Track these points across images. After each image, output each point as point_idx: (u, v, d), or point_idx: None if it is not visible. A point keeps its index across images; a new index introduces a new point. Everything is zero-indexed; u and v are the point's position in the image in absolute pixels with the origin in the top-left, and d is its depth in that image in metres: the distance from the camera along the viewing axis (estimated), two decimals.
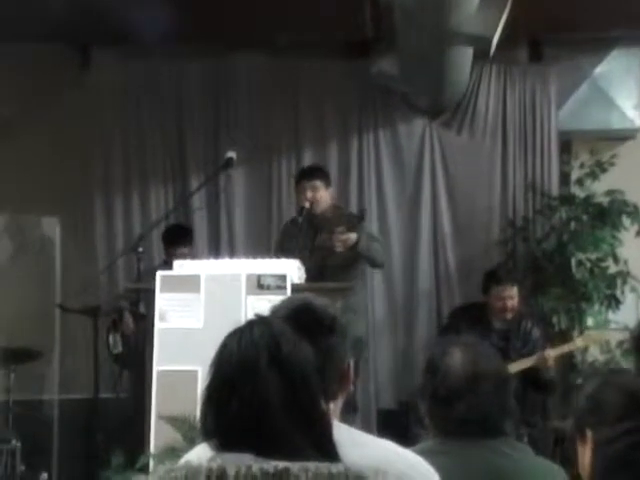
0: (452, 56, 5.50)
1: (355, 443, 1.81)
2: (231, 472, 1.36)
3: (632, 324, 5.89)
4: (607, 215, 6.09)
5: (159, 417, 3.71)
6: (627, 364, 5.70)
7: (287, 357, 1.51)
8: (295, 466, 1.37)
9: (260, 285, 3.90)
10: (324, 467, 1.38)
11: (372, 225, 6.09)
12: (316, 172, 5.60)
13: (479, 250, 6.46)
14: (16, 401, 5.60)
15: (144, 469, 3.51)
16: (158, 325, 3.96)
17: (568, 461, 4.05)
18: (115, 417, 5.70)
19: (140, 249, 4.97)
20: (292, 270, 4.00)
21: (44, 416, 6.28)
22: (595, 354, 6.11)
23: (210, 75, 6.60)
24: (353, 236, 5.01)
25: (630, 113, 6.46)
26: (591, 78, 6.46)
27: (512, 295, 5.65)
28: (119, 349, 5.87)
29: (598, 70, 6.45)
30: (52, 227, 6.54)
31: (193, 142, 6.59)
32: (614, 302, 6.05)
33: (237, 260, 4.36)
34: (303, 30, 6.08)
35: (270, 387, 1.47)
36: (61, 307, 6.06)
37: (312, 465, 1.38)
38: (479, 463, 2.26)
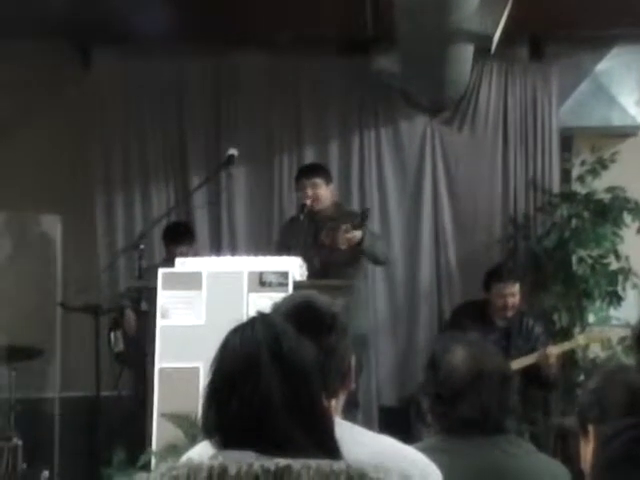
0: (453, 54, 5.49)
1: (357, 440, 1.81)
2: (232, 470, 1.36)
3: (634, 321, 5.87)
4: (608, 212, 6.08)
5: (161, 415, 3.72)
6: (629, 361, 5.70)
7: (288, 354, 1.50)
8: (297, 464, 1.36)
9: (262, 282, 3.90)
10: (326, 464, 1.37)
11: (373, 223, 6.08)
12: (316, 169, 5.60)
13: (480, 247, 6.46)
14: (17, 399, 5.60)
15: (146, 467, 3.51)
16: (160, 322, 3.96)
17: (570, 458, 4.05)
18: (117, 415, 5.70)
19: (141, 247, 4.97)
20: (294, 267, 4.00)
21: (45, 414, 6.29)
22: (596, 351, 6.10)
23: (211, 74, 6.59)
24: (358, 234, 5.01)
25: (631, 110, 6.46)
26: (592, 75, 6.45)
27: (513, 292, 5.65)
28: (120, 347, 5.88)
29: (599, 67, 6.45)
30: (53, 225, 6.54)
31: (194, 140, 6.58)
32: (615, 299, 6.05)
33: (239, 257, 4.37)
34: (304, 28, 6.07)
35: (272, 384, 1.47)
36: (62, 305, 6.07)
37: (314, 462, 1.38)
38: (481, 460, 2.26)
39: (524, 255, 6.39)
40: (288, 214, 6.10)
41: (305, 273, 4.18)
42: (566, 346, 5.69)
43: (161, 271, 4.05)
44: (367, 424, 4.86)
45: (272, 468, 1.35)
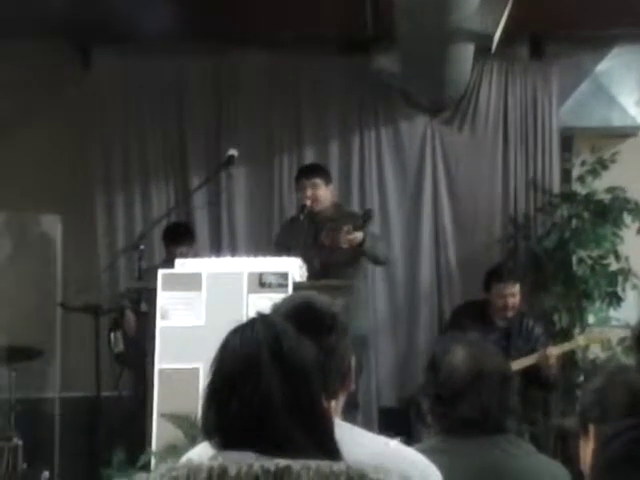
0: (453, 53, 5.49)
1: (356, 441, 1.81)
2: (232, 471, 1.36)
3: (633, 321, 5.87)
4: (608, 212, 6.08)
5: (160, 415, 3.72)
6: (629, 361, 5.70)
7: (288, 355, 1.50)
8: (296, 464, 1.36)
9: (262, 283, 3.90)
10: (325, 465, 1.37)
11: (374, 223, 6.08)
12: (316, 170, 5.60)
13: (480, 248, 6.46)
14: (18, 399, 5.60)
15: (145, 467, 3.51)
16: (160, 323, 3.96)
17: (569, 458, 4.05)
18: (117, 415, 5.70)
19: (141, 247, 4.97)
20: (294, 268, 4.00)
21: (45, 414, 6.28)
22: (596, 351, 6.10)
23: (211, 74, 6.59)
24: (360, 235, 5.01)
25: (631, 110, 6.46)
26: (592, 75, 6.45)
27: (514, 293, 5.65)
28: (120, 347, 5.87)
29: (599, 67, 6.44)
30: (53, 225, 6.54)
31: (194, 140, 6.58)
32: (615, 299, 6.05)
33: (239, 258, 4.37)
34: (304, 28, 6.07)
35: (271, 385, 1.47)
36: (62, 305, 6.06)
37: (313, 463, 1.37)
38: (481, 461, 2.26)
39: (524, 255, 6.39)
40: (288, 214, 6.10)
41: (305, 274, 4.18)
42: (566, 347, 5.68)
43: (161, 272, 4.05)
44: (367, 425, 4.86)
45: (272, 469, 1.35)
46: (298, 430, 1.46)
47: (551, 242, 6.17)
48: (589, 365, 6.06)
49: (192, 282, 3.96)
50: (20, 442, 5.33)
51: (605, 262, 6.10)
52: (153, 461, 3.54)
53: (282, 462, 1.36)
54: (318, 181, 5.41)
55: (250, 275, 3.92)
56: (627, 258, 6.10)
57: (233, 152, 5.34)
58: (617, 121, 6.47)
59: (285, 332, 1.54)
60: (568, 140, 6.60)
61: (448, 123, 6.57)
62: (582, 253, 6.13)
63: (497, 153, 6.53)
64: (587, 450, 1.92)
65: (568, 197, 6.31)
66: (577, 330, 6.06)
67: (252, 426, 1.46)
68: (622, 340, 5.84)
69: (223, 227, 6.56)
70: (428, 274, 6.48)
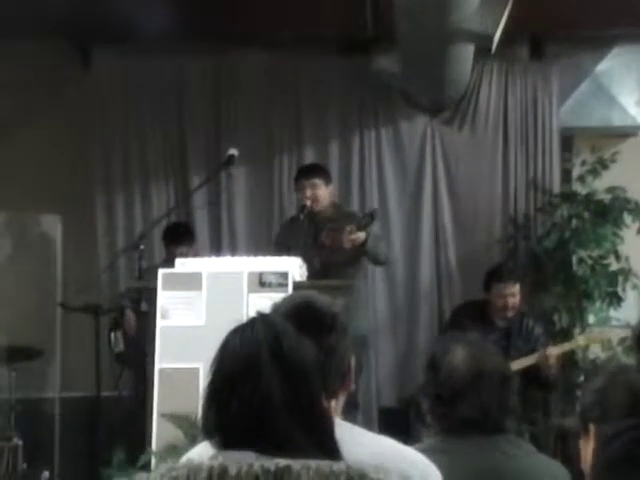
0: (453, 54, 5.49)
1: (356, 441, 1.81)
2: (232, 470, 1.35)
3: (634, 321, 5.88)
4: (608, 212, 6.08)
5: (161, 415, 3.72)
6: (629, 361, 5.70)
7: (289, 354, 1.50)
8: (297, 464, 1.36)
9: (262, 283, 3.90)
10: (325, 465, 1.37)
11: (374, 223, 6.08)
12: (316, 170, 5.60)
13: (480, 247, 6.46)
14: (18, 399, 5.60)
15: (145, 467, 3.51)
16: (160, 323, 3.96)
17: (570, 458, 4.05)
18: (117, 415, 5.70)
19: (141, 247, 4.97)
20: (294, 268, 4.00)
21: (46, 414, 6.28)
22: (597, 351, 6.10)
23: (211, 74, 6.59)
24: (362, 235, 5.01)
25: (632, 110, 6.45)
26: (592, 75, 6.45)
27: (514, 293, 5.65)
28: (120, 347, 5.87)
29: (599, 67, 6.44)
30: (53, 225, 6.54)
31: (194, 140, 6.58)
32: (615, 299, 6.04)
33: (239, 258, 4.37)
34: (304, 28, 6.07)
35: (272, 385, 1.47)
36: (62, 305, 6.06)
37: (313, 463, 1.37)
38: (481, 461, 2.26)
39: (524, 255, 6.39)
40: (288, 214, 6.09)
41: (305, 273, 4.18)
42: (566, 347, 5.68)
43: (161, 272, 4.05)
44: (367, 425, 4.85)
45: (272, 468, 1.35)
46: (298, 430, 1.46)
47: (551, 242, 6.17)
48: (589, 365, 6.06)
49: (192, 282, 3.96)
50: (20, 442, 5.33)
51: (605, 262, 6.10)
52: (153, 461, 3.54)
53: (282, 462, 1.36)
54: (317, 181, 5.41)
55: (250, 275, 3.93)
56: (627, 258, 6.10)
57: (233, 152, 5.34)
58: (617, 121, 6.47)
59: (285, 332, 1.54)
60: (568, 140, 6.60)
61: (448, 123, 6.57)
62: (582, 253, 6.13)
63: (497, 153, 6.53)
64: (588, 450, 1.92)
65: (568, 197, 6.30)
66: (577, 330, 6.06)
67: (252, 426, 1.46)
68: (622, 340, 5.84)
69: (223, 227, 6.56)
70: (428, 274, 6.48)
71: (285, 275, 3.90)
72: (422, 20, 4.85)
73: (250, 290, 3.91)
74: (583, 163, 6.31)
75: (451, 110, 6.54)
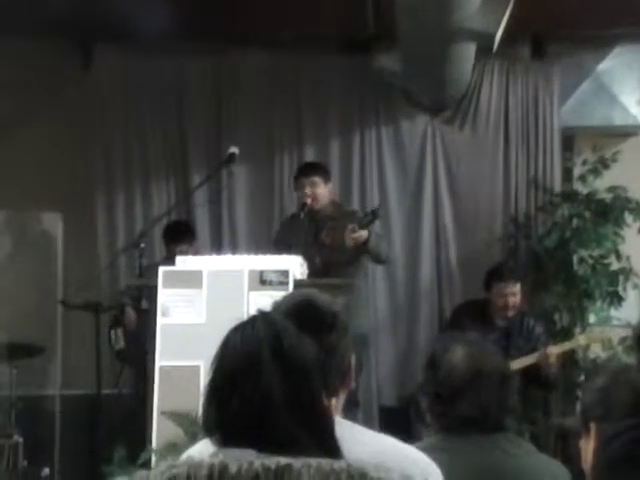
0: (454, 53, 5.49)
1: (357, 439, 1.81)
2: (233, 468, 1.35)
3: (634, 321, 5.88)
4: (609, 212, 6.08)
5: (161, 413, 3.73)
6: (629, 361, 5.70)
7: (289, 352, 1.50)
8: (297, 462, 1.36)
9: (262, 281, 3.90)
10: (326, 463, 1.37)
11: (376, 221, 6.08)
12: (315, 168, 5.59)
13: (481, 246, 6.46)
14: (18, 397, 5.61)
15: (146, 465, 3.51)
16: (160, 321, 3.96)
17: (570, 458, 4.05)
18: (117, 413, 5.70)
19: (142, 245, 4.97)
20: (294, 266, 4.00)
21: (46, 412, 6.29)
22: (597, 351, 6.10)
23: (211, 73, 6.59)
24: (365, 233, 5.01)
25: (633, 110, 6.45)
26: (594, 75, 6.45)
27: (514, 292, 5.65)
28: (121, 345, 5.88)
29: (601, 67, 6.44)
30: (54, 223, 6.54)
31: (195, 138, 6.58)
32: (616, 299, 6.04)
33: (239, 256, 4.37)
34: (304, 27, 6.07)
35: (272, 383, 1.47)
36: (63, 303, 6.06)
37: (314, 461, 1.37)
38: (481, 460, 2.26)
39: (525, 255, 6.39)
40: (289, 213, 6.09)
41: (306, 272, 4.18)
42: (567, 346, 5.68)
43: (161, 269, 4.05)
44: (367, 423, 4.85)
45: (273, 466, 1.35)
46: (299, 428, 1.46)
47: (552, 241, 6.17)
48: (590, 365, 6.06)
49: (193, 279, 3.96)
50: (21, 439, 5.34)
51: (606, 261, 6.10)
52: (153, 459, 3.54)
53: (283, 460, 1.36)
54: (317, 179, 5.41)
55: (251, 273, 3.93)
56: (628, 257, 6.10)
57: (234, 150, 5.33)
58: (618, 120, 6.46)
59: (286, 330, 1.54)
60: (569, 139, 6.60)
61: (449, 122, 6.56)
62: (583, 252, 6.13)
63: (498, 152, 6.53)
64: (588, 449, 1.92)
65: (569, 196, 6.30)
66: (578, 329, 6.06)
67: (253, 424, 1.46)
68: (623, 340, 5.84)
69: (224, 225, 6.57)
70: (429, 273, 6.48)
71: (286, 273, 3.91)
72: (423, 19, 4.85)
73: (251, 288, 3.91)
74: (584, 162, 6.31)
75: (452, 109, 6.54)
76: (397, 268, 6.45)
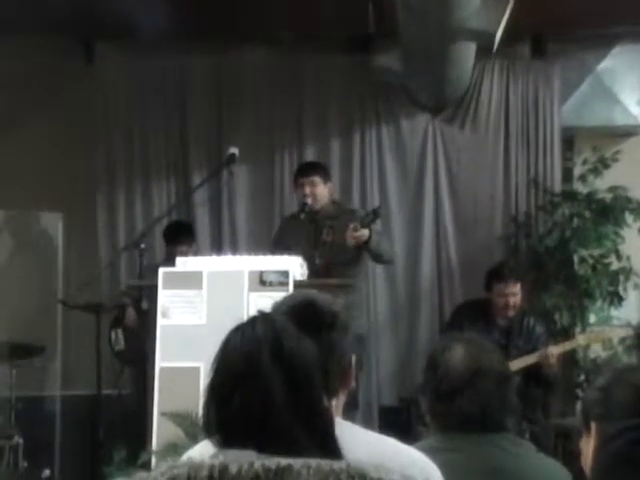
0: (455, 52, 5.49)
1: (357, 440, 1.81)
2: (233, 469, 1.35)
3: (635, 321, 5.92)
4: (610, 211, 6.08)
5: (161, 414, 3.72)
6: (630, 360, 5.70)
7: (289, 353, 1.50)
8: (297, 463, 1.36)
9: (262, 282, 3.90)
10: (326, 464, 1.37)
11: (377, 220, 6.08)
12: (314, 167, 5.59)
13: (481, 246, 6.45)
14: (18, 397, 5.60)
15: (146, 465, 3.51)
16: (160, 322, 3.96)
17: (570, 458, 4.05)
18: (117, 413, 5.70)
19: (142, 245, 4.97)
20: (294, 267, 4.00)
21: (46, 412, 6.29)
22: (597, 351, 6.10)
23: (212, 72, 6.59)
24: (366, 232, 5.01)
25: (633, 109, 6.45)
26: (594, 74, 6.45)
27: (514, 292, 5.64)
28: (121, 345, 5.88)
29: (601, 66, 6.44)
30: (54, 223, 6.54)
31: (196, 138, 6.58)
32: (616, 299, 6.04)
33: (239, 257, 4.37)
34: (305, 26, 6.07)
35: (272, 383, 1.47)
36: (63, 303, 6.06)
37: (314, 462, 1.37)
38: (480, 459, 2.26)
39: (525, 254, 6.39)
40: (289, 213, 6.09)
41: (306, 272, 4.18)
42: (567, 346, 5.68)
43: (162, 270, 4.05)
44: (367, 424, 4.86)
45: (273, 467, 1.35)
46: (299, 428, 1.46)
47: (552, 241, 6.17)
48: (590, 364, 6.06)
49: (193, 280, 3.96)
50: (21, 440, 5.34)
51: (606, 261, 6.10)
52: (154, 459, 3.54)
53: (283, 461, 1.36)
54: (316, 179, 5.40)
55: (251, 273, 3.93)
56: (628, 257, 6.10)
57: (234, 150, 5.34)
58: (619, 120, 6.46)
59: (286, 330, 1.54)
60: (570, 139, 6.60)
61: (449, 121, 6.57)
62: (583, 252, 6.13)
63: (498, 152, 6.53)
64: (589, 448, 1.92)
65: (569, 196, 6.30)
66: (578, 329, 6.06)
67: (253, 424, 1.46)
68: (623, 339, 5.84)
69: (224, 225, 6.57)
70: (429, 272, 6.48)
71: (286, 274, 3.90)
72: (424, 18, 4.85)
73: (251, 289, 3.91)
74: (584, 162, 6.31)
75: (452, 108, 6.54)
76: (397, 268, 6.44)
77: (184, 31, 6.04)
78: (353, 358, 2.05)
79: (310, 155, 6.48)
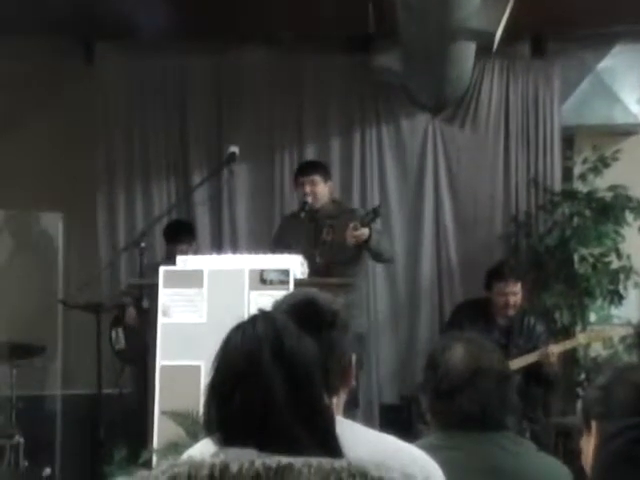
0: (455, 51, 5.49)
1: (358, 438, 1.81)
2: (234, 468, 1.35)
3: (635, 319, 5.92)
4: (610, 210, 6.08)
5: (162, 412, 3.73)
6: (630, 359, 5.70)
7: (290, 352, 1.50)
8: (298, 461, 1.36)
9: (263, 280, 3.90)
10: (327, 462, 1.37)
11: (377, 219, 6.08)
12: (314, 167, 5.59)
13: (481, 245, 6.46)
14: (19, 397, 5.60)
15: (147, 464, 3.51)
16: (161, 320, 3.96)
17: (570, 456, 4.05)
18: (118, 412, 5.71)
19: (142, 244, 4.97)
20: (295, 265, 4.00)
21: (47, 412, 6.29)
22: (598, 349, 6.10)
23: (213, 71, 6.59)
24: (366, 231, 5.01)
25: (633, 108, 6.45)
26: (594, 73, 6.45)
27: (515, 291, 5.64)
28: (122, 344, 5.88)
29: (601, 65, 6.44)
30: (55, 222, 6.54)
31: (196, 138, 6.59)
32: (617, 297, 6.05)
33: (240, 255, 4.37)
34: (306, 26, 6.07)
35: (273, 382, 1.47)
36: (64, 303, 6.06)
37: (315, 460, 1.37)
38: (480, 457, 2.26)
39: (525, 253, 6.39)
40: (289, 211, 6.10)
41: (306, 271, 4.18)
42: (567, 345, 5.68)
43: (162, 269, 4.05)
44: (368, 422, 4.87)
45: (274, 466, 1.35)
46: (300, 427, 1.46)
47: (552, 240, 6.17)
48: (590, 363, 6.06)
49: (193, 279, 3.96)
50: (22, 439, 5.34)
51: (606, 260, 6.10)
52: (154, 458, 3.55)
53: (284, 459, 1.36)
54: (316, 178, 5.41)
55: (251, 272, 3.93)
56: (629, 256, 6.10)
57: (234, 149, 5.34)
58: (619, 119, 6.46)
59: (286, 329, 1.54)
60: (570, 138, 6.60)
61: (449, 121, 6.57)
62: (584, 251, 6.13)
63: (498, 151, 6.53)
64: (589, 447, 1.92)
65: (569, 195, 6.30)
66: (578, 328, 6.06)
67: (254, 423, 1.46)
68: (623, 338, 5.84)
69: (224, 224, 6.57)
70: (429, 271, 6.48)
71: (286, 272, 3.91)
72: (424, 18, 4.85)
73: (251, 287, 3.91)
74: (584, 161, 6.31)
75: (452, 108, 6.54)
76: (397, 267, 6.45)
77: (184, 31, 6.04)
78: (353, 357, 2.05)
79: (310, 155, 6.49)
